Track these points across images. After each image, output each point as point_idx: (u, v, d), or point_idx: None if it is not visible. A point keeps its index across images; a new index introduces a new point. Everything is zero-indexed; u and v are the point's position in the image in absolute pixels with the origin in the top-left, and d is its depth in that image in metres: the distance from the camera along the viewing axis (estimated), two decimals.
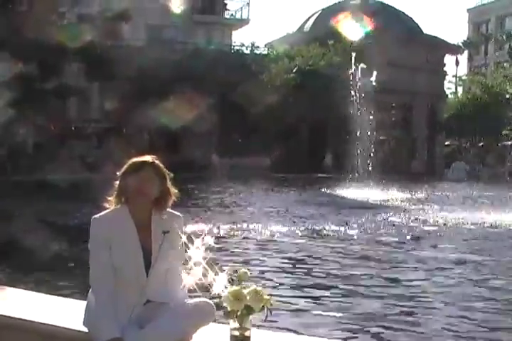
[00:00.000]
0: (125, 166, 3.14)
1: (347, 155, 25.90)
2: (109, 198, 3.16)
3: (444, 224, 12.00)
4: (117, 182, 3.14)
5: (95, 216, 3.12)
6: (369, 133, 28.38)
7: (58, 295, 4.15)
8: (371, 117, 30.24)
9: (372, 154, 26.50)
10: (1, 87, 23.16)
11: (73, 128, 31.75)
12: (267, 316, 3.09)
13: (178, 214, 3.24)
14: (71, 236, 8.27)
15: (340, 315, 5.25)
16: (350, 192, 18.83)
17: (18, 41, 23.48)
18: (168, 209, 3.20)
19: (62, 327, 3.29)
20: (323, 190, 20.28)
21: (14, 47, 23.21)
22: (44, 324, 3.34)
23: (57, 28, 25.94)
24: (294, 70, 33.82)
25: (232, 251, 8.34)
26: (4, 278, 5.49)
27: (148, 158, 3.16)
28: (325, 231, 10.63)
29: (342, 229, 10.96)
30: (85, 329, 3.12)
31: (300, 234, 10.34)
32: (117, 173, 3.15)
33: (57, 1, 29.21)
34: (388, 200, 17.30)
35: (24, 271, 6.51)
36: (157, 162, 3.16)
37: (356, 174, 21.95)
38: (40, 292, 4.17)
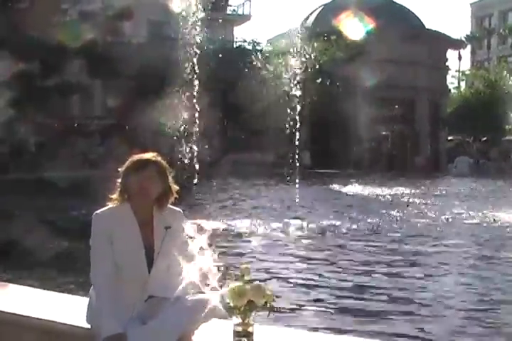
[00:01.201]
0: (127, 164, 3.12)
1: (347, 150, 25.87)
2: (112, 196, 3.14)
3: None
4: (119, 180, 3.12)
5: (97, 211, 3.12)
6: (371, 128, 28.36)
7: (60, 291, 4.15)
8: (373, 113, 30.16)
9: (374, 149, 26.50)
10: (2, 86, 23.17)
11: (76, 125, 31.76)
12: (269, 312, 3.08)
13: (179, 209, 3.24)
14: (73, 233, 8.27)
15: (342, 310, 5.24)
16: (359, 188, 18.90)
17: (19, 39, 23.47)
18: (169, 206, 3.19)
19: (64, 323, 3.28)
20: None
21: (15, 45, 23.20)
22: (46, 320, 3.34)
23: (58, 25, 25.93)
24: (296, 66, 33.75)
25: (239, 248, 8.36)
26: (6, 275, 5.49)
27: (150, 155, 3.14)
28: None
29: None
30: (88, 326, 3.11)
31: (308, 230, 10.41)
32: (119, 170, 3.13)
33: None
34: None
35: (26, 267, 6.52)
36: (159, 160, 3.14)
37: (352, 170, 22.04)
38: (42, 288, 4.16)
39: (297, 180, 13.53)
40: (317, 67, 33.14)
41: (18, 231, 8.30)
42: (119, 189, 3.12)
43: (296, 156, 14.32)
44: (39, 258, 7.00)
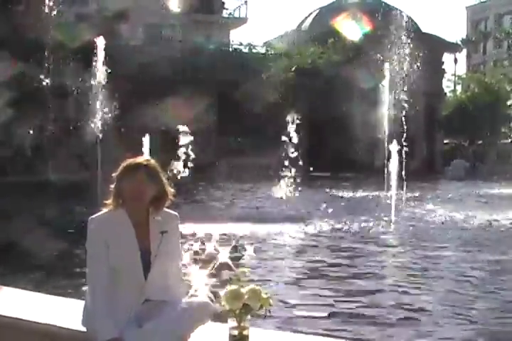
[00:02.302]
0: (119, 169, 3.12)
1: (343, 153, 25.84)
2: (107, 202, 3.14)
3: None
4: (113, 185, 3.13)
5: (92, 216, 3.12)
6: (367, 131, 28.33)
7: (57, 294, 4.15)
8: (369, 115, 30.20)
9: (369, 152, 26.51)
10: (2, 86, 23.15)
11: (72, 127, 31.71)
12: (265, 315, 3.09)
13: (175, 213, 3.24)
14: (69, 236, 8.28)
15: (338, 314, 5.25)
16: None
17: (18, 40, 23.48)
18: (164, 209, 3.20)
19: (60, 326, 3.28)
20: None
21: (14, 47, 23.20)
22: (42, 324, 3.34)
23: (55, 27, 25.93)
24: (293, 69, 33.82)
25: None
26: (3, 278, 5.48)
27: (141, 159, 3.13)
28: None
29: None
30: (84, 329, 3.12)
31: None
32: (113, 175, 3.14)
33: (56, 0, 29.21)
34: None
35: (23, 270, 6.51)
36: (151, 163, 3.13)
37: (349, 173, 22.07)
38: (39, 292, 4.16)
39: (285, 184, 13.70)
40: (314, 69, 33.20)
41: (15, 234, 8.30)
42: (113, 194, 3.13)
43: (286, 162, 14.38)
44: (36, 261, 7.00)
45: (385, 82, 34.15)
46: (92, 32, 26.92)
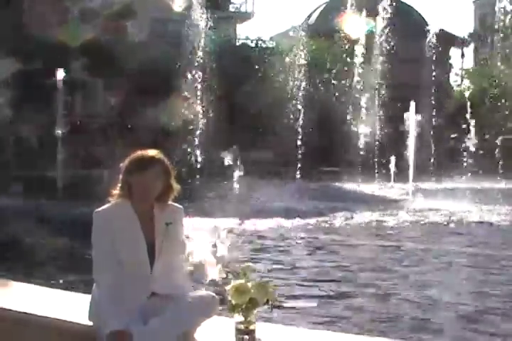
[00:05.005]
0: (130, 160, 3.10)
1: (349, 149, 25.86)
2: (113, 191, 3.13)
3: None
4: (121, 176, 3.11)
5: (97, 209, 3.11)
6: (374, 127, 28.31)
7: (63, 289, 4.15)
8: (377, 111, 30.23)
9: (379, 148, 26.54)
10: (5, 83, 23.19)
11: (78, 123, 31.76)
12: (272, 309, 3.08)
13: (180, 206, 3.24)
14: (75, 231, 8.28)
15: (344, 307, 5.24)
16: None
17: (22, 37, 23.50)
18: (169, 203, 3.19)
19: (67, 321, 3.28)
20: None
21: (18, 44, 23.24)
22: (51, 318, 3.33)
23: (60, 23, 25.95)
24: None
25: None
26: (10, 273, 5.50)
27: (154, 153, 3.12)
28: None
29: None
30: (90, 323, 3.11)
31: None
32: (121, 165, 3.11)
33: None
34: None
35: (30, 266, 6.53)
36: (162, 157, 3.13)
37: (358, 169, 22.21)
38: (46, 286, 4.17)
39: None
40: (319, 65, 33.14)
41: (20, 230, 8.32)
42: (120, 184, 3.11)
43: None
44: (42, 256, 7.02)
45: (391, 78, 34.09)
46: (97, 28, 26.98)
